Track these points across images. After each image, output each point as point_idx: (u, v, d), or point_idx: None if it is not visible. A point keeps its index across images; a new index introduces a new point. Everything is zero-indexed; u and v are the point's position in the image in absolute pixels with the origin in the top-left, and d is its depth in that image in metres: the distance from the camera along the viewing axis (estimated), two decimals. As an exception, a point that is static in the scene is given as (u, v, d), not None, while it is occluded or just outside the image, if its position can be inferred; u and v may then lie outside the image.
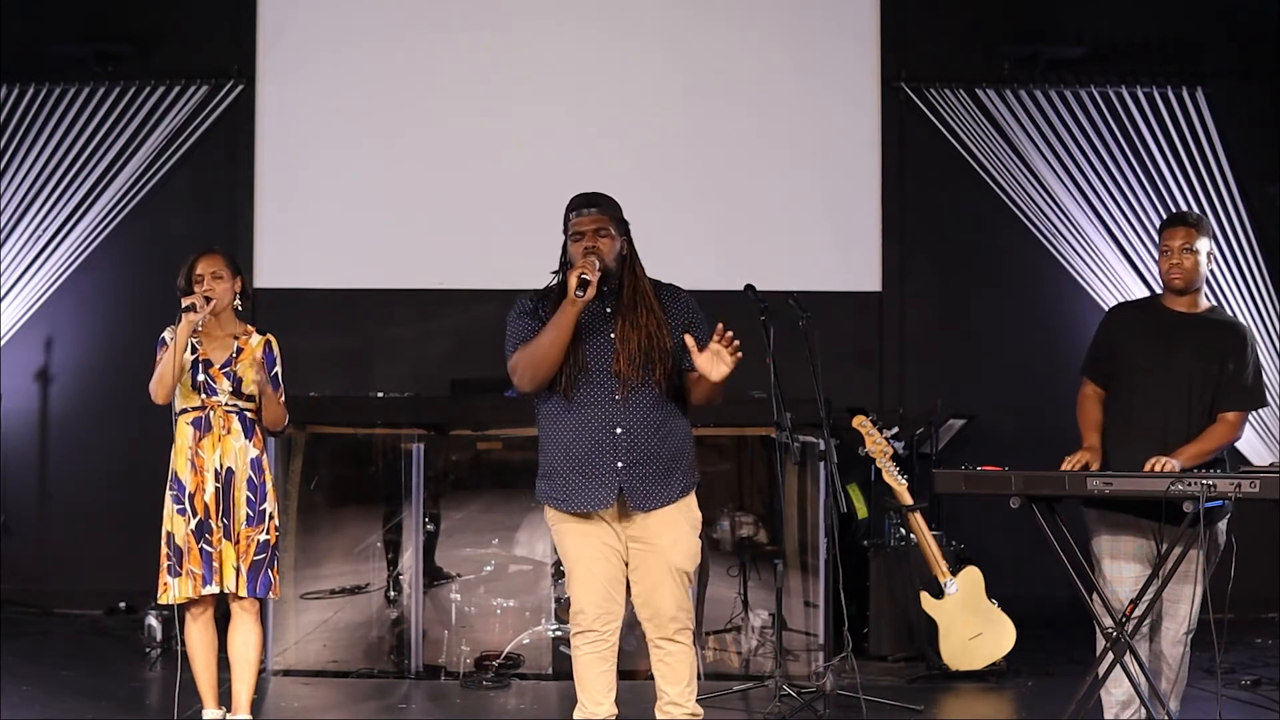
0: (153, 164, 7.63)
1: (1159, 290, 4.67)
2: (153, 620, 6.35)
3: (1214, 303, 4.82)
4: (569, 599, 4.18)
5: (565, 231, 4.16)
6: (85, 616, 7.39)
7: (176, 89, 7.63)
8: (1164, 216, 4.77)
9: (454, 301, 7.63)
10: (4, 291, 7.57)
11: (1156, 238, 4.76)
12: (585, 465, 4.04)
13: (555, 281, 4.17)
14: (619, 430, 4.03)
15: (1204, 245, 4.49)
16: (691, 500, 4.17)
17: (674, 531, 4.09)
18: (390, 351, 7.68)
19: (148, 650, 6.32)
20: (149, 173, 7.63)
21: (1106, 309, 5.18)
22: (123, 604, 7.41)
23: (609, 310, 4.08)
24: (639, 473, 4.03)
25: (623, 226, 4.14)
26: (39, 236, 7.59)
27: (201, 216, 7.65)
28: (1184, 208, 7.43)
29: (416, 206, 7.62)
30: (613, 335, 4.05)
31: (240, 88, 7.64)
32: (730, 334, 3.94)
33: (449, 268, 7.62)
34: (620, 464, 4.02)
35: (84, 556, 7.57)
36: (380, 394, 6.95)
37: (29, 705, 5.47)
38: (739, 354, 3.94)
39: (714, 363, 3.95)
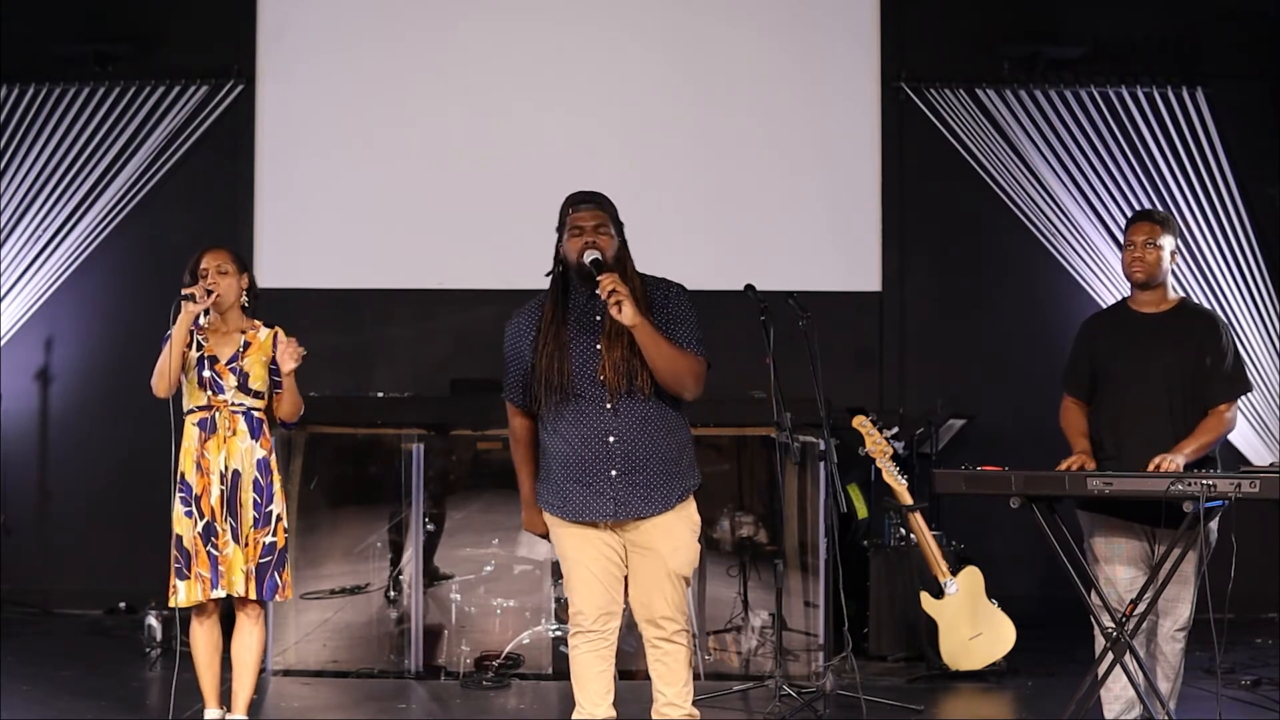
0: (153, 164, 7.63)
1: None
2: (153, 620, 6.35)
3: (1183, 294, 4.82)
4: (567, 600, 4.17)
5: (561, 228, 4.10)
6: (85, 616, 7.39)
7: (176, 89, 7.63)
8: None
9: (454, 301, 7.63)
10: (4, 291, 7.57)
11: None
12: (580, 475, 4.01)
13: (550, 283, 4.13)
14: (611, 439, 3.99)
15: (1168, 242, 4.49)
16: (690, 504, 4.13)
17: (674, 538, 4.06)
18: (390, 351, 7.68)
19: (148, 650, 6.32)
20: (149, 173, 7.64)
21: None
22: (123, 604, 7.42)
23: (598, 318, 4.03)
24: (634, 480, 4.00)
25: (620, 227, 4.10)
26: (39, 236, 7.60)
27: (201, 216, 7.66)
28: (1184, 208, 7.44)
29: (416, 206, 7.62)
30: (599, 346, 4.01)
31: (240, 88, 7.64)
32: (609, 285, 3.87)
33: (449, 268, 7.62)
34: (614, 472, 3.99)
35: (84, 556, 7.58)
36: (380, 394, 6.95)
37: (29, 705, 5.47)
38: (615, 294, 3.85)
39: (614, 313, 3.89)
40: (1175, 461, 4.25)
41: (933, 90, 7.60)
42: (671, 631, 4.10)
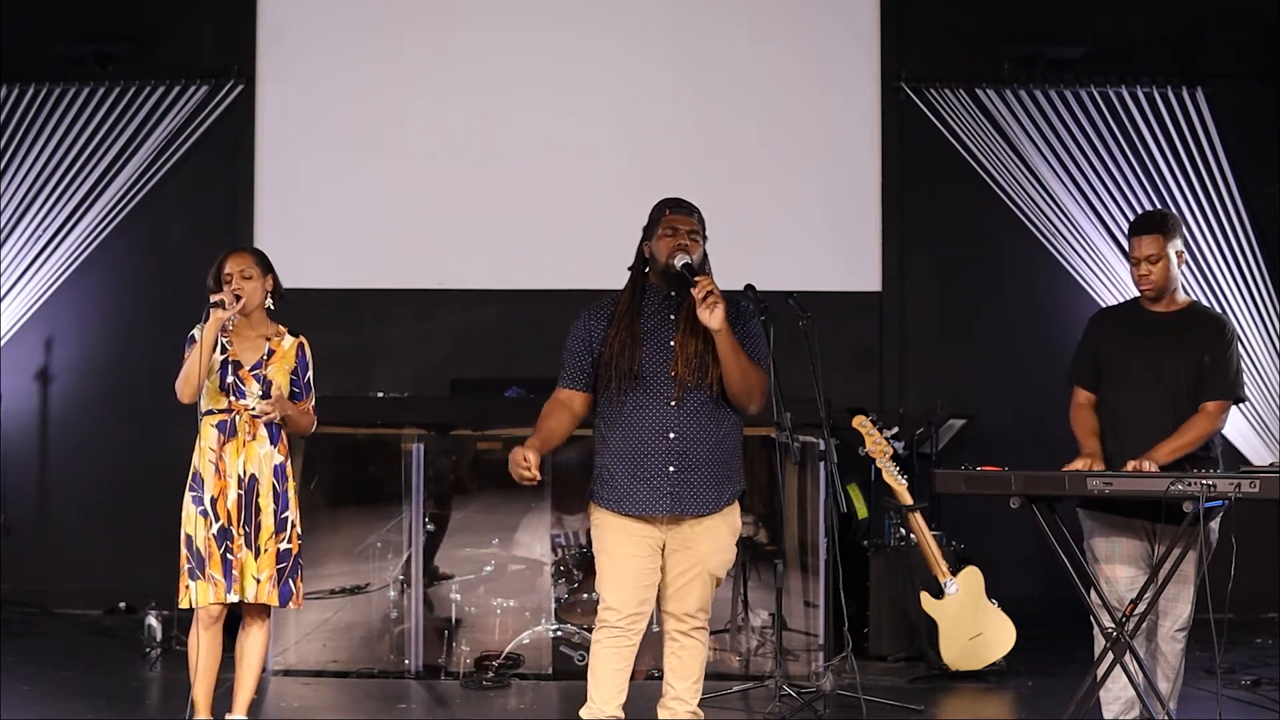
0: (153, 164, 7.64)
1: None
2: (153, 620, 6.34)
3: (1193, 297, 4.81)
4: (598, 595, 4.17)
5: (651, 227, 4.19)
6: (85, 616, 7.38)
7: (176, 89, 7.64)
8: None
9: (454, 301, 7.64)
10: (4, 291, 7.57)
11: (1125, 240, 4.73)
12: (638, 469, 4.07)
13: (629, 279, 4.21)
14: (672, 435, 4.06)
15: (1173, 248, 4.48)
16: (735, 509, 4.20)
17: (716, 540, 4.14)
18: (390, 351, 7.68)
19: (148, 650, 6.31)
20: (149, 173, 7.64)
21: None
22: (123, 604, 7.41)
23: (673, 317, 4.13)
24: (690, 478, 4.07)
25: (705, 240, 4.21)
26: (39, 236, 7.60)
27: (201, 216, 7.66)
28: (1184, 208, 7.44)
29: (416, 206, 7.62)
30: (672, 343, 4.09)
31: (240, 88, 7.65)
32: (708, 287, 3.99)
33: (449, 268, 7.62)
34: (672, 468, 4.06)
35: (84, 556, 7.57)
36: (380, 394, 6.95)
37: (29, 705, 5.47)
38: (712, 297, 3.98)
39: (704, 314, 4.00)
40: (1151, 465, 4.23)
41: (933, 90, 7.60)
42: (692, 627, 4.17)
